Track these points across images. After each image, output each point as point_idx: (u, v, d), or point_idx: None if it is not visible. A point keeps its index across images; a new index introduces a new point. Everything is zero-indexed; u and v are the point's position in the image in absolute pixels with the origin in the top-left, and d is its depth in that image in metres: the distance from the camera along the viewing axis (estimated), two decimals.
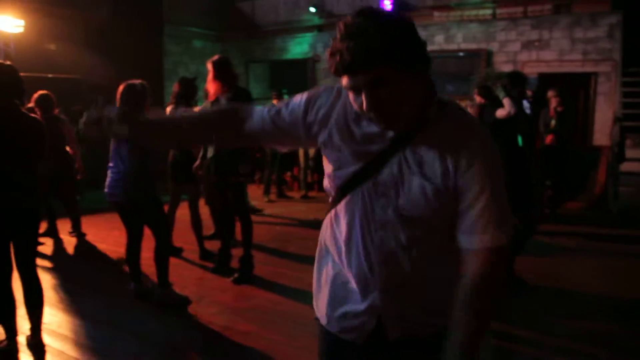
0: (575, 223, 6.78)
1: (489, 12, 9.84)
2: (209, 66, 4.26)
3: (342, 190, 1.31)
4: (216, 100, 4.27)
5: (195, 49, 12.37)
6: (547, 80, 9.18)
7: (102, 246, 5.77)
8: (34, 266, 3.17)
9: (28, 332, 3.21)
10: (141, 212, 3.90)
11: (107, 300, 4.15)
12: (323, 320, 1.43)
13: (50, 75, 8.55)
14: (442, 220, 1.26)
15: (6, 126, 2.98)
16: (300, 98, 1.38)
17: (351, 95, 1.20)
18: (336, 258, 1.36)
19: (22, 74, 8.12)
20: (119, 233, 6.22)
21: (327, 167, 1.36)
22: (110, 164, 3.89)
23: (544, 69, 9.41)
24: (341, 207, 1.31)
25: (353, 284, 1.33)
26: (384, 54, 1.10)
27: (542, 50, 9.44)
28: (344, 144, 1.29)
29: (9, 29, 8.21)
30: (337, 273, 1.37)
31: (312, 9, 11.24)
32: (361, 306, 1.33)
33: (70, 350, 3.29)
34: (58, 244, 5.94)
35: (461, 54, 10.15)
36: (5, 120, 2.98)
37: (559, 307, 4.06)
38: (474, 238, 1.22)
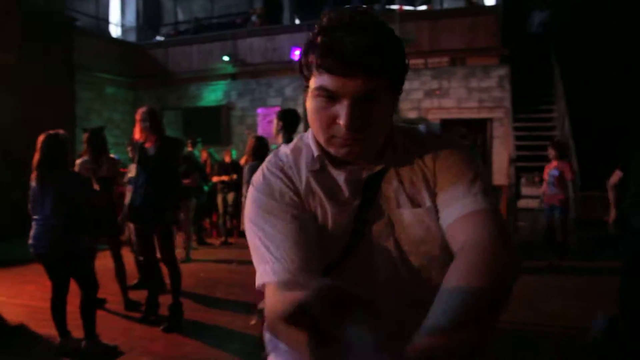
0: None
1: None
2: (138, 117, 4.33)
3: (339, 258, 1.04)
4: (142, 149, 4.34)
5: (108, 96, 12.19)
6: (449, 125, 9.99)
7: (16, 301, 5.50)
8: None
9: None
10: (69, 265, 3.84)
11: None
12: None
13: None
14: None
15: None
16: (260, 206, 1.04)
17: (318, 103, 0.96)
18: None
19: None
20: (34, 288, 6.01)
21: None
22: (36, 216, 3.83)
23: (446, 115, 10.23)
24: None
25: None
26: (389, 64, 0.94)
27: (442, 98, 10.27)
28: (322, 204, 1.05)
29: None
30: None
31: (226, 58, 11.52)
32: None
33: None
34: None
35: None
36: None
37: None
38: (467, 200, 1.00)
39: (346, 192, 1.04)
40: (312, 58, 0.95)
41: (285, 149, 1.12)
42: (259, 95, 11.59)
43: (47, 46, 10.01)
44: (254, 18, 12.21)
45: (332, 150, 1.00)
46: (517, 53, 9.93)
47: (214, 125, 11.61)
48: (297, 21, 11.78)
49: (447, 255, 1.00)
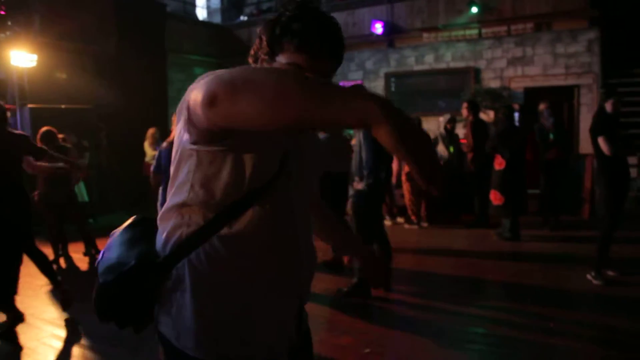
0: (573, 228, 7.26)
1: (475, 32, 10.41)
2: None
3: (249, 198, 1.17)
4: None
5: (197, 76, 12.80)
6: (532, 94, 9.74)
7: None
8: None
9: None
10: None
11: None
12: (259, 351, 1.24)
13: (63, 106, 8.98)
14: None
15: None
16: None
17: None
18: (242, 282, 1.19)
19: (36, 105, 8.58)
20: None
21: (216, 177, 1.16)
22: None
23: (530, 83, 9.97)
24: (247, 218, 1.17)
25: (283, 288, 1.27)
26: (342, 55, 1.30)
27: (527, 65, 10.00)
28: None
29: (23, 64, 8.66)
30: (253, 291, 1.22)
31: None
32: (287, 314, 1.31)
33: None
34: (71, 263, 6.32)
35: (451, 72, 10.69)
36: None
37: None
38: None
39: (279, 139, 1.20)
40: (286, 40, 1.19)
41: None
42: (340, 69, 11.71)
43: (141, 33, 10.72)
44: None
45: None
46: (610, 14, 9.44)
47: None
48: None
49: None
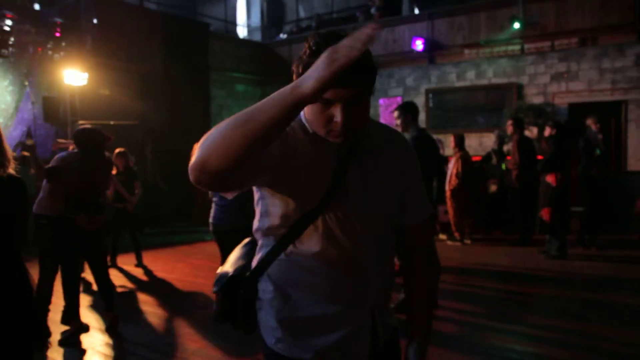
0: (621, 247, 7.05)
1: (517, 47, 10.31)
2: None
3: (305, 220, 1.32)
4: None
5: (238, 93, 13.16)
6: (577, 109, 9.56)
7: (170, 277, 6.28)
8: None
9: None
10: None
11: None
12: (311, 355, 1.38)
13: (111, 122, 9.27)
14: (394, 214, 1.47)
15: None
16: None
17: (317, 107, 1.25)
18: (309, 293, 1.36)
19: (86, 121, 8.91)
20: (183, 265, 6.78)
21: (273, 206, 1.36)
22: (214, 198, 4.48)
23: (575, 99, 9.79)
24: (308, 236, 1.33)
25: (343, 305, 1.37)
26: (368, 74, 1.26)
27: (571, 81, 9.84)
28: (305, 167, 1.32)
29: (75, 82, 9.01)
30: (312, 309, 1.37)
31: None
32: (358, 325, 1.39)
33: None
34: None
35: (493, 88, 10.61)
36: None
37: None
38: (418, 213, 1.50)
39: (327, 161, 1.33)
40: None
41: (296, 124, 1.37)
42: (380, 86, 11.84)
43: (185, 52, 11.03)
44: (373, 10, 12.43)
45: (330, 138, 1.30)
46: None
47: None
48: (416, 11, 11.83)
49: (391, 217, 1.45)
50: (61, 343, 4.11)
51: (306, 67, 1.22)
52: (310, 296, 1.36)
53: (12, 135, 9.14)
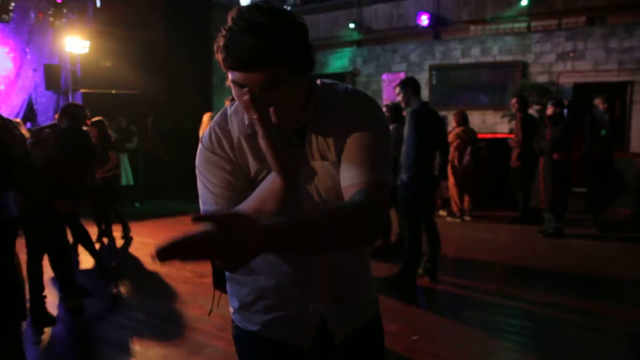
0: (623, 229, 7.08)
1: (524, 25, 10.20)
2: None
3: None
4: None
5: None
6: (582, 89, 9.50)
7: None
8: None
9: None
10: None
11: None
12: (257, 327, 1.43)
13: (113, 92, 9.21)
14: None
15: None
16: (203, 157, 1.31)
17: (235, 91, 1.14)
18: (263, 271, 1.38)
19: (88, 90, 8.86)
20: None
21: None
22: None
23: (580, 78, 9.71)
24: None
25: (289, 292, 1.39)
26: (284, 55, 1.08)
27: (577, 60, 9.75)
28: (253, 161, 1.28)
29: (77, 50, 8.92)
30: (266, 285, 1.40)
31: (352, 25, 11.75)
32: (302, 311, 1.40)
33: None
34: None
35: (497, 66, 10.51)
36: None
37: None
38: (357, 172, 1.20)
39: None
40: (219, 57, 1.10)
41: (229, 111, 1.32)
42: (384, 61, 11.74)
43: (187, 22, 10.90)
44: None
45: (256, 128, 1.13)
46: None
47: None
48: None
49: None
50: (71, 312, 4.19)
51: (224, 44, 1.08)
52: (255, 280, 1.40)
53: (13, 103, 9.09)
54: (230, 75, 1.12)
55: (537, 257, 5.76)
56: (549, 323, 3.94)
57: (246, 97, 1.08)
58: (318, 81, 1.31)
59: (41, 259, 4.08)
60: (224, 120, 1.31)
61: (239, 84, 1.11)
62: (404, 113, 5.34)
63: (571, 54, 9.81)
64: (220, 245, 0.86)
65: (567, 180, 6.54)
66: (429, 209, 4.83)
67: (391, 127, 5.49)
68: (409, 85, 4.67)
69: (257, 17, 1.06)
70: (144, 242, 6.55)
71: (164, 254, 0.82)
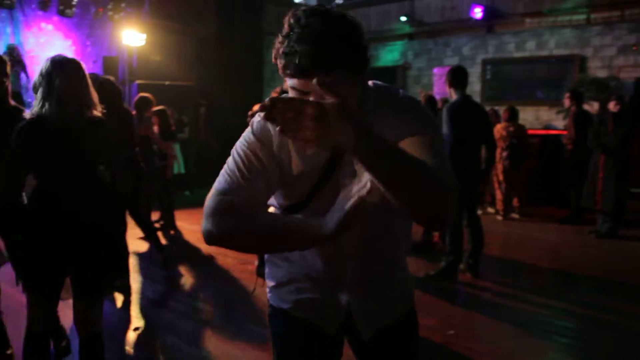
0: None
1: (583, 17, 9.82)
2: None
3: (293, 209, 1.35)
4: None
5: None
6: None
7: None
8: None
9: None
10: None
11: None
12: (289, 305, 1.50)
13: (166, 83, 9.50)
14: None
15: None
16: (244, 137, 1.34)
17: (294, 95, 1.14)
18: (297, 261, 1.45)
19: (143, 81, 9.14)
20: None
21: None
22: None
23: None
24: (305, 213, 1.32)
25: (320, 282, 1.44)
26: (342, 60, 1.10)
27: None
28: (298, 162, 1.29)
29: (133, 43, 9.26)
30: (300, 271, 1.46)
31: (403, 18, 11.64)
32: (332, 299, 1.45)
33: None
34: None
35: (553, 60, 10.17)
36: None
37: None
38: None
39: (317, 154, 1.25)
40: (278, 64, 1.13)
41: None
42: (435, 54, 11.57)
43: (240, 15, 11.09)
44: None
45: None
46: None
47: (390, 84, 11.84)
48: None
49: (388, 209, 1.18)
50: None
51: (282, 51, 1.10)
52: (290, 265, 1.47)
53: None
54: (288, 81, 1.13)
55: (586, 258, 5.57)
56: (592, 325, 3.82)
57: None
58: (370, 83, 1.33)
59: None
60: None
61: (299, 91, 1.12)
62: (440, 105, 5.28)
63: (634, 47, 9.35)
64: (335, 117, 0.90)
65: (624, 180, 6.29)
66: (470, 203, 4.75)
67: None
68: (448, 78, 4.63)
69: (315, 23, 1.08)
70: (193, 229, 6.75)
71: (275, 102, 0.87)
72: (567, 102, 7.19)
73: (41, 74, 2.28)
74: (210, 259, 5.41)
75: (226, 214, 1.20)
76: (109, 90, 4.23)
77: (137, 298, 4.33)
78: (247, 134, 1.33)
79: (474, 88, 10.91)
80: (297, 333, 1.48)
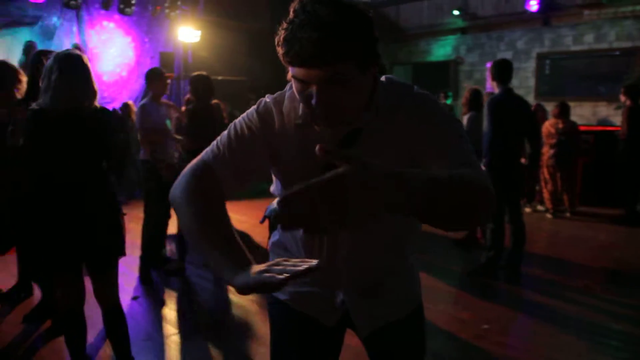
0: None
1: None
2: None
3: None
4: None
5: None
6: None
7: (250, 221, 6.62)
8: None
9: None
10: None
11: None
12: (287, 297, 1.49)
13: (220, 78, 9.78)
14: None
15: None
16: (247, 114, 1.31)
17: (295, 86, 1.11)
18: (297, 255, 1.43)
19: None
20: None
21: (276, 181, 1.42)
22: None
23: None
24: None
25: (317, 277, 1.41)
26: (347, 51, 1.02)
27: None
28: (297, 154, 1.24)
29: (189, 39, 9.59)
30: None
31: (456, 12, 11.46)
32: (329, 295, 1.44)
33: None
34: None
35: (614, 53, 9.78)
36: None
37: None
38: (449, 159, 1.08)
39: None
40: (279, 51, 1.06)
41: (287, 93, 1.30)
42: (489, 49, 11.36)
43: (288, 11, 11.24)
44: None
45: (314, 123, 1.13)
46: None
47: (442, 79, 11.74)
48: None
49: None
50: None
51: (283, 37, 1.05)
52: (291, 256, 1.43)
53: (133, 88, 9.94)
54: (290, 70, 1.08)
55: (638, 259, 5.39)
56: (636, 327, 3.72)
57: (315, 94, 1.06)
58: (382, 77, 1.26)
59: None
60: (282, 99, 1.30)
61: (299, 80, 1.07)
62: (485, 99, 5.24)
63: None
64: (357, 188, 0.76)
65: None
66: (513, 199, 4.69)
67: (468, 115, 5.43)
68: (491, 71, 4.60)
69: (320, 9, 1.01)
70: (238, 219, 6.96)
71: (288, 203, 0.76)
72: (622, 97, 6.95)
73: (44, 69, 2.44)
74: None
75: (197, 182, 1.21)
76: (201, 85, 4.57)
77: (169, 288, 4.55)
78: (251, 110, 1.30)
79: (528, 83, 10.65)
80: (294, 323, 1.47)
